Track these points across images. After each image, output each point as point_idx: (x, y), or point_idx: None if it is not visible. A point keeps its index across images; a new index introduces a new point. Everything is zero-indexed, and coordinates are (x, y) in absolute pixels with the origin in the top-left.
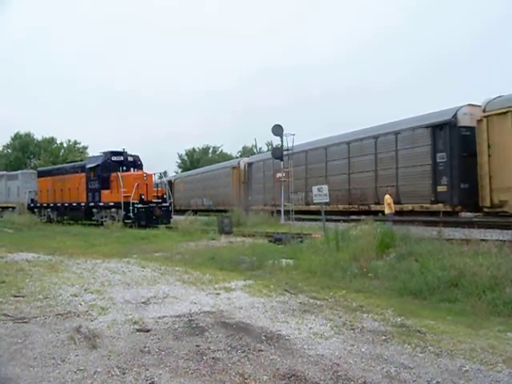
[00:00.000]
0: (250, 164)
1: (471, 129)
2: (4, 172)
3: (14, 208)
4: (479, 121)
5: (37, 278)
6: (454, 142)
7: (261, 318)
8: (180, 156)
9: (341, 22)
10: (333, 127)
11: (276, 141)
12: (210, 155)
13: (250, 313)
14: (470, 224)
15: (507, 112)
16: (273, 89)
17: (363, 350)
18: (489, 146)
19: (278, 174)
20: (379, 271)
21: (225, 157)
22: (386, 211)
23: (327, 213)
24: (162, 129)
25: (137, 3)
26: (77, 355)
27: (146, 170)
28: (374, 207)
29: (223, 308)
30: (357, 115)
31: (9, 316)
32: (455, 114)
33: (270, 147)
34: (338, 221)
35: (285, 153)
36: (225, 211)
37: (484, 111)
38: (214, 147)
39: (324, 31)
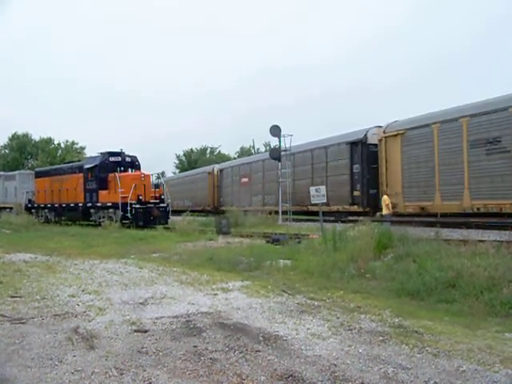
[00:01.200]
0: (221, 170)
1: (377, 146)
2: (1, 172)
3: (11, 208)
4: (380, 140)
5: (34, 279)
6: (365, 156)
7: (258, 318)
8: (178, 157)
9: (341, 22)
10: (333, 127)
11: (274, 141)
12: (207, 156)
13: (248, 313)
14: (467, 225)
15: (397, 134)
16: (273, 89)
17: (361, 350)
18: (386, 161)
19: (243, 179)
20: (377, 272)
21: (223, 157)
22: (384, 212)
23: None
24: (161, 129)
25: (137, 3)
26: (74, 356)
27: (145, 170)
28: (310, 208)
29: (221, 309)
30: (357, 115)
31: (6, 317)
32: (366, 133)
33: (267, 148)
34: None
35: (248, 161)
36: (202, 211)
37: (384, 132)
38: (211, 148)
39: (324, 31)
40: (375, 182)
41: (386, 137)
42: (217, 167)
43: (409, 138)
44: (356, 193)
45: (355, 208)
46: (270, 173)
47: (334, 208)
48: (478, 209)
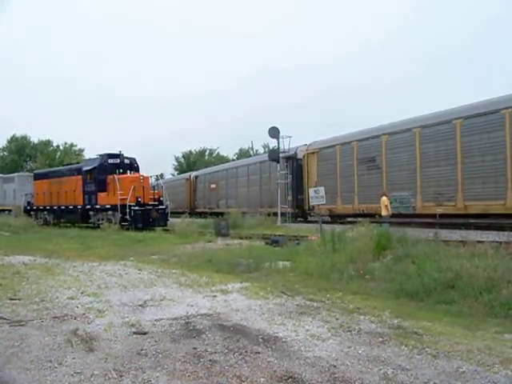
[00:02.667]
0: (196, 177)
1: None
2: (0, 175)
3: (10, 211)
4: (303, 156)
5: (33, 281)
6: (294, 169)
7: (258, 320)
8: (176, 158)
9: (341, 22)
10: (333, 127)
11: (273, 143)
12: (206, 157)
13: (247, 315)
14: (466, 226)
15: (314, 152)
16: (273, 89)
17: (360, 351)
18: (308, 172)
19: (212, 185)
20: (376, 273)
21: (221, 159)
22: (383, 213)
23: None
24: (161, 130)
25: (137, 3)
26: (74, 358)
27: (145, 172)
28: (260, 210)
29: (220, 310)
30: (357, 115)
31: (5, 319)
32: (296, 151)
33: (266, 149)
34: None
35: (216, 170)
36: (183, 212)
37: (306, 150)
38: (210, 149)
39: (324, 31)
40: (302, 189)
41: (307, 154)
42: (193, 174)
43: (322, 156)
44: (289, 197)
45: (289, 210)
46: (231, 180)
47: (275, 209)
48: (362, 210)
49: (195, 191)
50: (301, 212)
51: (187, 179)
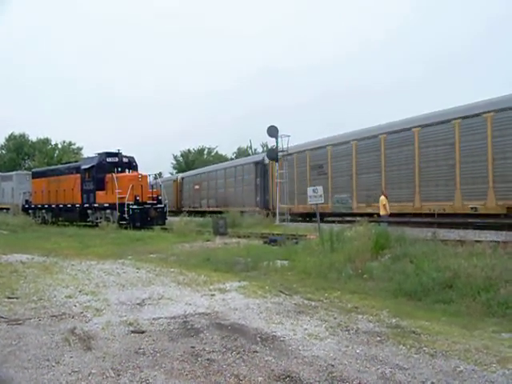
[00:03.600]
0: (182, 178)
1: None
2: None
3: (8, 209)
4: (269, 162)
5: (31, 280)
6: (262, 173)
7: (256, 319)
8: (175, 157)
9: (341, 22)
10: (333, 128)
11: (272, 142)
12: (205, 156)
13: (245, 314)
14: (464, 225)
15: (280, 157)
16: (272, 89)
17: (358, 351)
18: (272, 177)
19: (195, 186)
20: (374, 272)
21: (220, 158)
22: (381, 213)
23: (215, 212)
24: (161, 129)
25: (137, 3)
26: (71, 357)
27: (144, 171)
28: (235, 209)
29: (218, 309)
30: (357, 115)
31: (3, 318)
32: (263, 157)
33: (265, 148)
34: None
35: (199, 172)
36: (172, 211)
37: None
38: (209, 148)
39: (324, 31)
40: (268, 191)
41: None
42: (180, 176)
43: (283, 162)
44: (258, 198)
45: (257, 209)
46: (212, 182)
47: (247, 209)
48: (313, 209)
49: (181, 191)
50: (266, 211)
51: (174, 180)
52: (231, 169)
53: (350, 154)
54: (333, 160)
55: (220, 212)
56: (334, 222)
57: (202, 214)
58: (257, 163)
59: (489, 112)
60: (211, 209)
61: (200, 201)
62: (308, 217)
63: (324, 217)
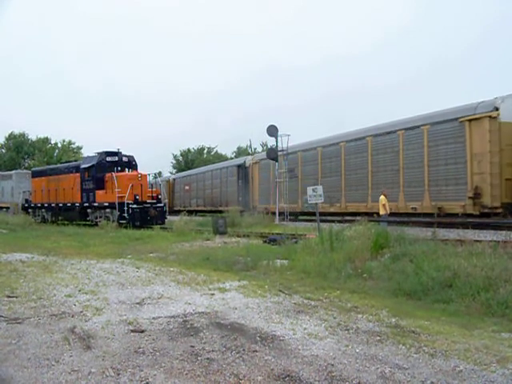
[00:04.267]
0: (174, 179)
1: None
2: None
3: (7, 208)
4: (249, 165)
5: (31, 279)
6: (243, 175)
7: (255, 318)
8: (175, 156)
9: (341, 23)
10: (334, 127)
11: (271, 141)
12: (204, 156)
13: (245, 313)
14: (464, 225)
15: (256, 163)
16: (273, 89)
17: (358, 350)
18: (252, 178)
19: (186, 187)
20: (374, 272)
21: (220, 157)
22: (381, 212)
23: (203, 211)
24: (160, 129)
25: (137, 3)
26: (71, 356)
27: (144, 170)
28: (220, 208)
29: (218, 309)
30: (356, 115)
31: (2, 317)
32: (244, 161)
33: (264, 148)
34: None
35: (189, 174)
36: None
37: (252, 161)
38: (208, 148)
39: (324, 32)
40: (248, 192)
41: (252, 163)
42: (172, 177)
43: (261, 166)
44: (240, 198)
45: (238, 208)
46: (200, 183)
47: (231, 207)
48: (286, 208)
49: (173, 192)
50: (246, 209)
51: (167, 181)
52: (217, 171)
53: (316, 159)
54: (302, 164)
55: (208, 211)
56: (333, 221)
57: (192, 212)
58: (239, 166)
59: (425, 125)
60: (200, 208)
61: (190, 200)
62: (281, 215)
63: (297, 215)
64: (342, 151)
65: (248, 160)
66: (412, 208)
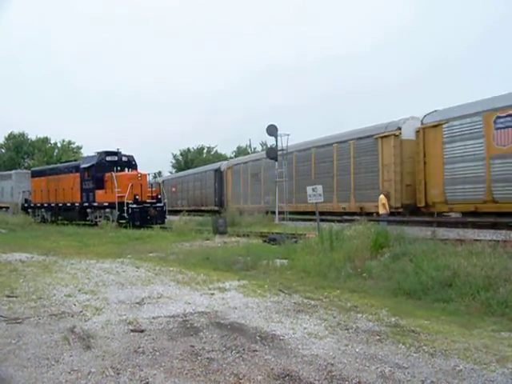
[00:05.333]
0: (163, 181)
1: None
2: None
3: (7, 208)
4: (224, 170)
5: (30, 279)
6: (219, 179)
7: (255, 318)
8: (174, 156)
9: (342, 23)
10: (335, 127)
11: (271, 141)
12: (204, 155)
13: (245, 313)
14: (464, 224)
15: (230, 167)
16: (273, 89)
17: (357, 349)
18: (226, 182)
19: (173, 189)
20: (373, 271)
21: (219, 157)
22: (381, 211)
23: (187, 211)
24: (160, 128)
25: (137, 3)
26: (71, 356)
27: (143, 170)
28: (203, 208)
29: (217, 308)
30: (358, 116)
31: (2, 316)
32: (220, 166)
33: (264, 147)
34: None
35: (176, 176)
36: None
37: (226, 166)
38: (208, 147)
39: (324, 32)
40: (223, 193)
41: (227, 168)
42: (161, 179)
43: (233, 170)
44: (216, 199)
45: (215, 208)
46: (184, 185)
47: (209, 208)
48: (251, 209)
49: (162, 192)
50: (221, 209)
51: (158, 183)
52: (198, 174)
53: (275, 166)
54: (264, 170)
55: (191, 210)
56: (333, 221)
57: (178, 212)
58: (216, 170)
59: (352, 140)
60: (184, 208)
61: (176, 201)
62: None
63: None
64: (294, 159)
65: (223, 165)
66: (342, 208)
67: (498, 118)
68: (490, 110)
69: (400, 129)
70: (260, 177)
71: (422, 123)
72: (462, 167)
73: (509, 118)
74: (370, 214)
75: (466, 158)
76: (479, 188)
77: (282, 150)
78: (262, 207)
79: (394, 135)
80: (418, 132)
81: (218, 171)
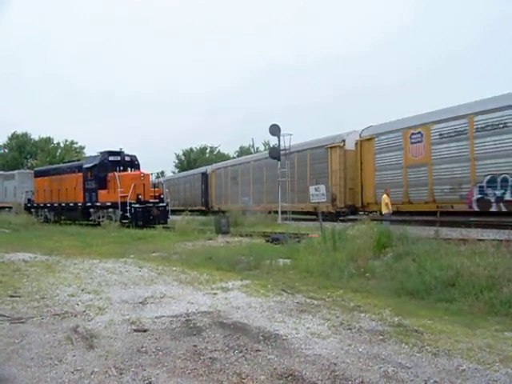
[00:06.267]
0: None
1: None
2: (1, 172)
3: (10, 208)
4: (209, 173)
5: (34, 278)
6: (205, 181)
7: (258, 317)
8: (177, 156)
9: (341, 22)
10: (335, 127)
11: (273, 140)
12: (207, 155)
13: (248, 313)
14: (467, 224)
15: (214, 171)
16: (273, 88)
17: (361, 349)
18: (211, 184)
19: (166, 190)
20: (376, 271)
21: (222, 157)
22: (383, 211)
23: (178, 211)
24: (163, 128)
25: (137, 3)
26: (74, 355)
27: (146, 169)
28: (190, 208)
29: (220, 308)
30: (358, 115)
31: (5, 316)
32: (206, 169)
33: (266, 147)
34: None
35: (170, 178)
36: None
37: (211, 169)
38: (211, 147)
39: (325, 31)
40: (208, 194)
41: (212, 171)
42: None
43: (216, 174)
44: (203, 199)
45: (201, 207)
46: (175, 187)
47: (197, 207)
48: (230, 209)
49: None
50: (206, 208)
51: (160, 183)
52: (188, 177)
53: (249, 171)
54: (241, 174)
55: (181, 210)
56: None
57: (173, 212)
58: (203, 174)
59: (308, 149)
60: (175, 208)
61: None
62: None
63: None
64: (264, 165)
65: (209, 169)
66: (301, 208)
67: (413, 134)
68: (407, 127)
69: (344, 141)
70: (238, 180)
71: (360, 136)
72: (387, 174)
73: (419, 135)
74: (323, 213)
75: (390, 166)
76: (399, 191)
77: (285, 149)
78: (239, 207)
79: (339, 146)
80: (356, 144)
81: (204, 174)
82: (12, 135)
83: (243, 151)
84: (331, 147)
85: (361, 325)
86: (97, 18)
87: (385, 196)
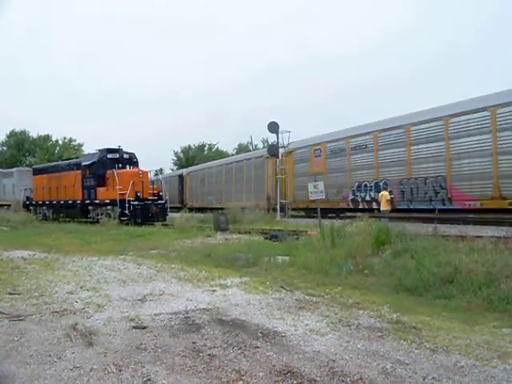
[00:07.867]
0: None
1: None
2: None
3: (9, 206)
4: (184, 176)
5: (32, 276)
6: (180, 182)
7: (257, 314)
8: (175, 153)
9: (341, 22)
10: (336, 126)
11: (272, 138)
12: (205, 152)
13: (246, 310)
14: (465, 221)
15: (188, 174)
16: (274, 88)
17: (359, 346)
18: (185, 185)
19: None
20: (375, 268)
21: (221, 154)
22: (382, 208)
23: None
24: (161, 125)
25: (137, 2)
26: (73, 352)
27: (145, 167)
28: (174, 205)
29: (219, 305)
30: (358, 115)
31: (4, 314)
32: (182, 172)
33: (265, 144)
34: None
35: (164, 176)
36: None
37: (186, 172)
38: (209, 144)
39: (325, 30)
40: (183, 193)
41: (187, 173)
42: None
43: (191, 176)
44: (179, 198)
45: (179, 205)
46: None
47: (175, 204)
48: (200, 205)
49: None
50: (183, 205)
51: (159, 180)
52: (168, 178)
53: (213, 175)
54: (207, 176)
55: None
56: (333, 218)
57: None
58: (180, 176)
59: (252, 158)
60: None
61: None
62: (201, 210)
63: (205, 210)
64: (223, 169)
65: (185, 172)
66: (255, 205)
67: (315, 150)
68: (312, 144)
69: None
70: (205, 182)
71: (285, 150)
72: (300, 180)
73: (318, 151)
74: (262, 208)
75: (302, 174)
76: (305, 194)
77: (284, 146)
78: (206, 204)
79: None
80: (282, 155)
81: (181, 176)
82: (10, 133)
83: (242, 148)
84: (267, 157)
85: (359, 321)
86: (97, 17)
87: (386, 193)
